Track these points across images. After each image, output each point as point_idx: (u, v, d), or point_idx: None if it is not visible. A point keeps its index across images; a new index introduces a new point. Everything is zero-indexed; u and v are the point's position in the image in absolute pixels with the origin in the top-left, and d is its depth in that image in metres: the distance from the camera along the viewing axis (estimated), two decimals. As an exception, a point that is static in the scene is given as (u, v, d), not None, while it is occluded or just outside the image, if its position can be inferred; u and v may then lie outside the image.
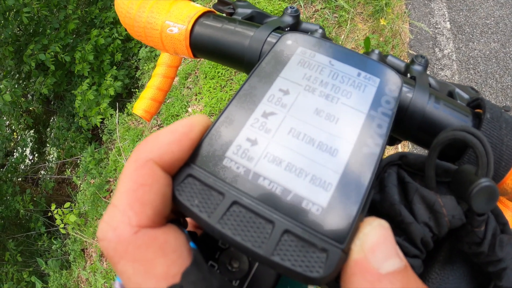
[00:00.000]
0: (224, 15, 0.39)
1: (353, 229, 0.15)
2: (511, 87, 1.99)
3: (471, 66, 2.12)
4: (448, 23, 2.33)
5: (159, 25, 0.35)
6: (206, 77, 2.66)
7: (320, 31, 0.32)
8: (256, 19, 0.38)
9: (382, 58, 0.30)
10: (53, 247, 3.41)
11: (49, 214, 3.33)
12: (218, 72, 2.61)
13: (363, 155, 0.17)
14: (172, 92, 2.75)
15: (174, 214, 0.18)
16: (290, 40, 0.23)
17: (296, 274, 0.15)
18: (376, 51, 0.30)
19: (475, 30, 2.26)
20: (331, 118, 0.19)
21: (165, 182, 0.16)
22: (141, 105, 0.53)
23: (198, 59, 2.85)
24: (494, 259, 0.20)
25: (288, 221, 0.15)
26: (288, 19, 0.35)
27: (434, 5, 2.43)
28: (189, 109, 2.70)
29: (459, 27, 2.29)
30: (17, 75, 4.06)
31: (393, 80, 0.21)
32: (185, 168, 0.17)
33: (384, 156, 0.22)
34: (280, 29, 0.33)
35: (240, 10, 0.38)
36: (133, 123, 3.19)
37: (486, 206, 0.18)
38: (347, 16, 2.35)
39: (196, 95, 2.69)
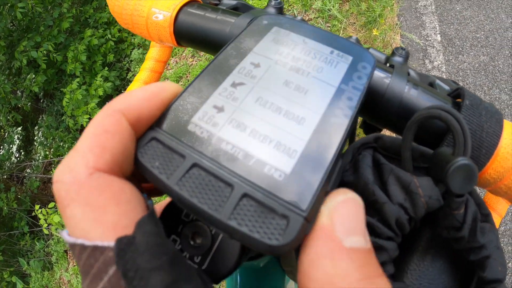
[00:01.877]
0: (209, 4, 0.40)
1: (316, 197, 0.15)
2: (499, 99, 2.01)
3: (460, 78, 2.14)
4: (438, 35, 2.36)
5: (145, 12, 0.36)
6: (198, 80, 2.66)
7: (300, 17, 0.33)
8: (240, 10, 0.38)
9: (360, 44, 0.31)
10: (36, 248, 3.36)
11: (33, 213, 3.28)
12: (210, 76, 2.60)
13: (331, 125, 0.17)
14: (163, 94, 2.74)
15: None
16: (266, 20, 0.23)
17: (254, 241, 0.14)
18: (354, 37, 0.30)
19: (465, 43, 2.29)
20: (300, 90, 0.19)
21: (128, 134, 0.16)
22: None
23: (190, 63, 2.85)
24: (475, 245, 0.20)
25: (248, 185, 0.15)
26: (271, 10, 0.36)
27: (426, 18, 2.46)
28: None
29: (449, 40, 2.32)
30: (8, 71, 4.00)
31: (366, 58, 0.22)
32: (150, 131, 0.17)
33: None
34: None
35: (225, 1, 0.39)
36: None
37: (464, 186, 0.18)
38: (340, 25, 2.37)
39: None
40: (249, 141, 0.16)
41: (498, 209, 0.38)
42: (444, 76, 2.15)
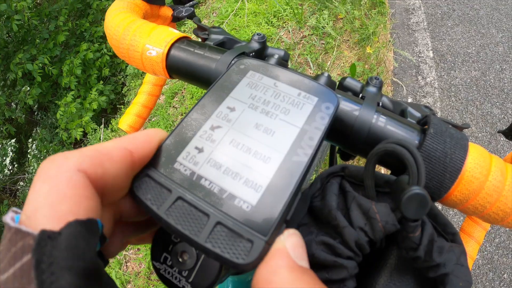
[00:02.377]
0: (199, 40, 0.42)
1: (276, 225, 0.18)
2: (491, 113, 2.03)
3: (453, 93, 2.16)
4: (431, 52, 2.39)
5: (140, 48, 0.38)
6: (193, 97, 2.66)
7: (276, 56, 0.35)
8: (226, 44, 0.41)
9: (331, 81, 0.32)
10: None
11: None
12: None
13: (292, 163, 0.20)
14: (158, 110, 2.74)
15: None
16: (243, 64, 0.26)
17: (224, 260, 0.17)
18: (326, 74, 0.32)
19: (456, 59, 2.32)
20: (268, 131, 0.22)
21: (126, 167, 0.19)
22: (126, 120, 0.56)
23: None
24: (431, 264, 0.22)
25: (221, 214, 0.18)
26: (255, 45, 0.39)
27: (418, 35, 2.50)
28: (175, 128, 2.67)
29: (441, 56, 2.35)
30: (2, 82, 3.99)
31: (330, 99, 0.24)
32: (144, 169, 0.20)
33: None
34: (244, 54, 0.37)
35: (213, 36, 0.42)
36: None
37: (416, 213, 0.20)
38: (333, 43, 2.39)
39: (182, 115, 2.69)
40: (223, 178, 0.20)
41: (475, 236, 0.40)
42: (437, 93, 2.17)
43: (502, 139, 1.92)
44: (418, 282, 0.24)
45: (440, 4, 2.66)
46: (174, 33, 0.38)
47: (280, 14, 2.73)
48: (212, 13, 3.20)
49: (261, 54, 0.40)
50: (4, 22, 3.57)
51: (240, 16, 2.87)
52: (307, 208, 0.25)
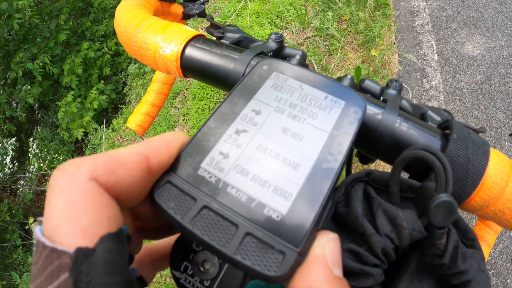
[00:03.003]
0: (214, 38, 0.41)
1: (308, 235, 0.17)
2: (495, 118, 2.03)
3: (458, 97, 2.16)
4: (436, 55, 2.38)
5: (153, 46, 0.37)
6: (195, 98, 2.66)
7: (297, 57, 0.35)
8: (243, 43, 0.41)
9: (354, 84, 0.32)
10: (28, 261, 3.30)
11: (27, 227, 3.24)
12: (207, 94, 2.61)
13: (322, 170, 0.19)
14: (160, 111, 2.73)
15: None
16: (267, 65, 0.25)
17: (255, 272, 0.16)
18: (349, 76, 0.32)
19: (461, 62, 2.31)
20: (296, 136, 0.21)
21: (143, 174, 0.18)
22: (135, 119, 0.55)
23: (188, 80, 2.84)
24: (456, 271, 0.22)
25: (251, 225, 0.17)
26: (272, 45, 0.38)
27: (423, 37, 2.48)
28: (176, 129, 2.67)
29: (446, 59, 2.35)
30: (3, 81, 4.00)
31: (358, 103, 0.23)
32: (165, 175, 0.19)
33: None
34: (263, 54, 0.36)
35: (228, 35, 0.41)
36: (118, 139, 3.15)
37: (444, 220, 0.20)
38: (338, 44, 2.38)
39: (183, 115, 2.68)
40: (251, 185, 0.19)
41: (486, 239, 0.41)
42: (442, 96, 2.16)
43: (507, 143, 1.91)
44: (438, 287, 0.23)
45: (445, 7, 2.65)
46: (189, 31, 0.37)
47: (284, 15, 2.72)
48: (215, 13, 3.19)
49: (279, 53, 0.39)
50: (5, 21, 3.57)
51: (243, 16, 2.86)
52: (332, 214, 0.24)
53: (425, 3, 2.71)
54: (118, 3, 0.43)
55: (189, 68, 0.36)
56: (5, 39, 3.77)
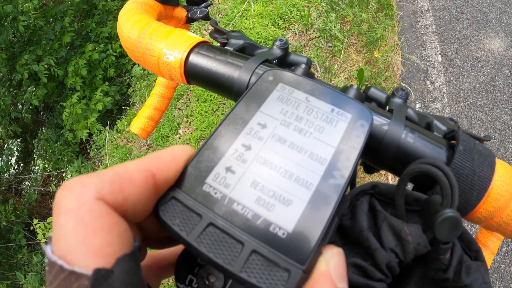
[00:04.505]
0: (218, 45, 0.41)
1: (314, 253, 0.17)
2: (499, 120, 2.01)
3: (461, 99, 2.14)
4: (439, 56, 2.37)
5: (156, 52, 0.37)
6: (198, 99, 2.66)
7: (303, 66, 0.34)
8: (247, 50, 0.40)
9: (360, 94, 0.32)
10: (33, 261, 3.32)
11: (31, 227, 3.25)
12: (211, 96, 2.61)
13: (328, 186, 0.19)
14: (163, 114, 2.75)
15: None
16: (272, 76, 0.25)
17: None
18: (355, 86, 0.32)
19: (465, 64, 2.29)
20: (302, 152, 0.21)
21: (148, 191, 0.18)
22: (138, 123, 0.55)
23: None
24: (459, 285, 0.22)
25: (257, 242, 0.17)
26: (277, 52, 0.38)
27: (426, 38, 2.47)
28: (180, 131, 2.68)
29: (450, 60, 2.33)
30: (8, 83, 4.02)
31: (364, 116, 0.23)
32: (170, 191, 0.19)
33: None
34: (268, 61, 0.35)
35: (233, 41, 0.40)
36: (122, 140, 3.17)
37: (449, 235, 0.20)
38: (341, 46, 2.38)
39: (187, 117, 2.69)
40: (257, 201, 0.19)
41: (490, 246, 0.40)
42: (445, 98, 2.15)
43: (511, 146, 1.90)
44: None
45: (449, 7, 2.64)
46: (193, 37, 0.37)
47: (287, 16, 2.72)
48: (218, 14, 3.20)
49: (284, 60, 0.39)
50: (10, 23, 3.61)
51: (246, 18, 2.87)
52: (337, 227, 0.24)
53: (428, 4, 2.69)
54: (123, 5, 0.43)
55: (193, 75, 0.36)
56: (10, 41, 3.78)
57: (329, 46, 2.43)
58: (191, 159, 0.20)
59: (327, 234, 0.19)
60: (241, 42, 0.40)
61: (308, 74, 0.34)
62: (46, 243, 0.16)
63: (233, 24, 2.86)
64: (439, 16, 2.59)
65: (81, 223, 0.15)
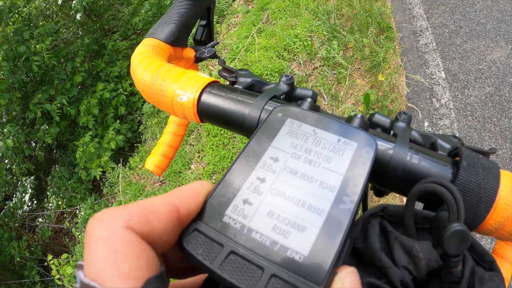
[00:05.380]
0: (227, 83, 0.42)
1: (329, 274, 0.18)
2: (509, 129, 2.00)
3: (469, 112, 2.13)
4: (443, 72, 2.37)
5: (170, 93, 0.38)
6: (209, 134, 2.70)
7: (309, 100, 0.35)
8: (255, 87, 0.42)
9: (364, 122, 0.33)
10: (46, 298, 3.32)
11: (45, 264, 3.25)
12: (221, 130, 2.64)
13: (339, 211, 0.21)
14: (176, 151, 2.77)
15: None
16: (281, 112, 0.27)
17: None
18: (359, 115, 0.33)
19: (469, 77, 2.29)
20: (313, 181, 0.22)
21: (172, 224, 0.20)
22: (153, 161, 0.56)
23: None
24: None
25: (275, 267, 0.18)
26: (283, 87, 0.39)
27: (428, 56, 2.50)
28: (192, 166, 2.71)
29: (453, 75, 2.33)
30: (22, 121, 4.13)
31: (369, 143, 0.25)
32: (193, 223, 0.21)
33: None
34: (276, 97, 0.37)
35: (241, 79, 0.42)
36: (135, 177, 3.21)
37: (458, 248, 0.21)
38: (345, 72, 2.42)
39: (198, 152, 2.72)
40: (274, 229, 0.20)
41: (509, 257, 0.40)
42: (453, 114, 2.16)
43: (524, 155, 1.89)
44: None
45: (447, 23, 2.67)
46: (203, 78, 0.39)
47: (290, 47, 2.77)
48: (224, 50, 3.27)
49: (291, 95, 0.40)
50: (23, 63, 3.72)
51: (251, 52, 2.93)
52: (350, 250, 0.25)
53: (427, 22, 2.73)
54: (131, 45, 0.45)
55: (205, 114, 0.37)
56: (23, 81, 3.90)
57: (334, 73, 2.47)
58: (211, 193, 0.22)
59: (341, 255, 0.20)
60: (249, 80, 0.42)
61: (314, 107, 0.35)
62: (77, 269, 0.17)
63: (238, 58, 2.92)
64: (438, 33, 2.62)
65: (112, 249, 0.16)
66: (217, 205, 0.21)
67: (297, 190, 0.22)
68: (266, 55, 2.83)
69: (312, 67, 2.59)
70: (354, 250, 0.25)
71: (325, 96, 2.36)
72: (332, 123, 0.26)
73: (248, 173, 0.23)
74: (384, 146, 0.31)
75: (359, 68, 2.45)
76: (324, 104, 2.36)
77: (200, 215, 0.21)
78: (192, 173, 2.69)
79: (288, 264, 0.19)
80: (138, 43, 0.47)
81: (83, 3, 3.88)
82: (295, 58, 2.73)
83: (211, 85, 0.38)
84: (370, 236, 0.25)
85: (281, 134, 0.25)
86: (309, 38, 2.72)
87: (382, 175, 0.31)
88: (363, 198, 0.36)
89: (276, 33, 2.97)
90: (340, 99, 2.32)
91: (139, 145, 3.42)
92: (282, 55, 2.77)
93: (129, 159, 3.39)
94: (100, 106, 3.52)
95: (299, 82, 2.56)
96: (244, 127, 0.35)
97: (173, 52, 0.48)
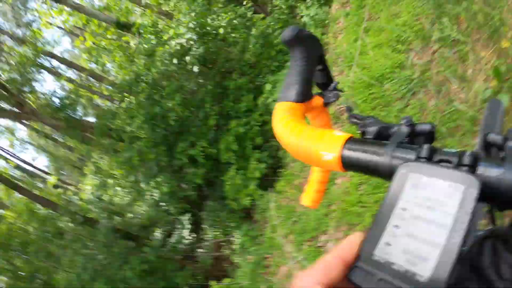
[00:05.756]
0: (359, 135, 0.50)
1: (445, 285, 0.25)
2: None
3: None
4: None
5: (315, 154, 0.46)
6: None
7: (426, 146, 0.37)
8: (383, 133, 0.48)
9: (475, 158, 0.34)
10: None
11: (209, 288, 3.51)
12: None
13: (451, 244, 0.27)
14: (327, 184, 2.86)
15: None
16: (405, 169, 0.33)
17: None
18: (468, 153, 0.34)
19: None
20: (433, 224, 0.29)
21: (340, 275, 0.29)
22: (308, 197, 0.65)
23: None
24: None
25: (408, 286, 0.26)
26: (405, 130, 0.45)
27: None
28: (338, 181, 2.78)
29: None
30: (170, 169, 4.72)
31: (473, 185, 0.29)
32: (356, 262, 0.29)
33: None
34: (401, 142, 0.43)
35: (369, 129, 0.49)
36: (284, 200, 3.38)
37: None
38: (466, 48, 2.28)
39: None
40: (407, 261, 0.27)
41: None
42: None
43: None
44: None
45: None
46: (340, 136, 0.46)
47: (402, 38, 2.71)
48: (338, 59, 3.32)
49: (413, 132, 0.45)
50: (161, 121, 4.32)
51: (365, 53, 2.93)
52: (468, 267, 0.31)
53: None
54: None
55: (347, 166, 0.45)
56: (164, 135, 4.46)
57: (454, 52, 2.36)
58: (363, 241, 0.30)
59: (452, 274, 0.26)
60: (376, 128, 0.48)
61: (431, 150, 0.37)
62: None
63: (354, 64, 2.96)
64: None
65: None
66: (368, 249, 0.29)
67: (422, 232, 0.29)
68: (380, 52, 2.83)
69: (431, 52, 2.50)
70: (472, 267, 0.32)
71: (453, 80, 2.26)
72: (444, 172, 0.31)
73: (386, 222, 0.30)
74: (494, 172, 0.32)
75: (479, 39, 2.26)
76: (454, 88, 2.26)
77: (359, 256, 0.29)
78: (338, 188, 2.82)
79: (417, 283, 0.26)
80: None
81: (196, 57, 4.34)
82: (410, 47, 2.66)
83: (348, 141, 0.45)
84: (483, 255, 0.31)
85: (406, 188, 0.32)
86: (417, 22, 2.64)
87: (494, 199, 0.32)
88: (491, 217, 0.47)
89: (383, 27, 2.93)
90: (468, 79, 2.20)
91: (282, 170, 3.61)
92: (397, 48, 2.74)
93: (275, 184, 3.61)
94: (237, 141, 3.85)
95: (422, 72, 2.50)
96: (380, 173, 0.43)
97: (305, 107, 0.56)
